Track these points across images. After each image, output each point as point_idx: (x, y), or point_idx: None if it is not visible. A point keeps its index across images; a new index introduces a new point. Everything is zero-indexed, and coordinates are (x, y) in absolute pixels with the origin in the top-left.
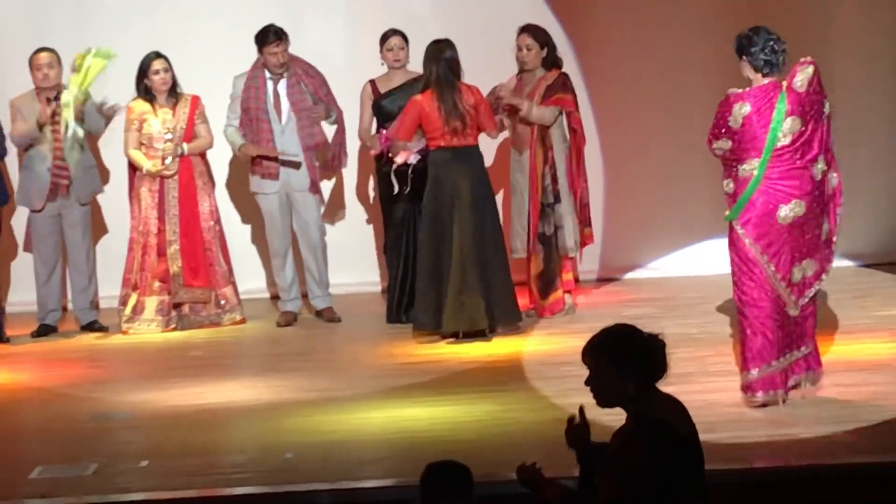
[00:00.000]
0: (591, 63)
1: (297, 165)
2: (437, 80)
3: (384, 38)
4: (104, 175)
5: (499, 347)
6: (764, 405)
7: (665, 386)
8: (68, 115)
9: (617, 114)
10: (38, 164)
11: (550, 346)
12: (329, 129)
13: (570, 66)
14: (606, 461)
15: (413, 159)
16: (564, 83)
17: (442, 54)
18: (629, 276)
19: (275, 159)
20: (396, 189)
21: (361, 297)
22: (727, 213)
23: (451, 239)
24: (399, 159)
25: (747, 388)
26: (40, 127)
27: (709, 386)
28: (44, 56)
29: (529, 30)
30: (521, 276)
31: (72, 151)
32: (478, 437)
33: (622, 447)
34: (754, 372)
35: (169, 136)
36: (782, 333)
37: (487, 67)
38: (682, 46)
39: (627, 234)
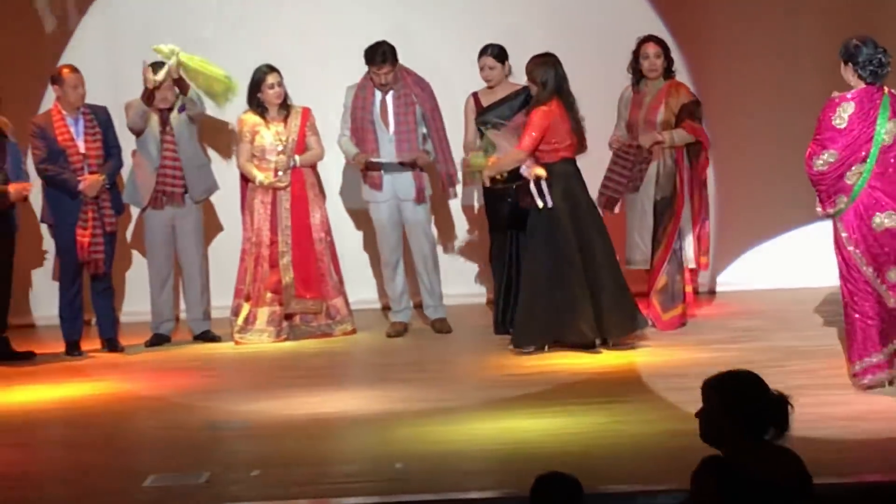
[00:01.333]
0: (701, 72)
1: (406, 167)
2: (563, 91)
3: (479, 56)
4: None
5: (609, 359)
6: (870, 387)
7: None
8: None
9: (726, 122)
10: (147, 162)
11: (661, 358)
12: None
13: (680, 75)
14: None
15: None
16: (695, 112)
17: (557, 66)
18: (740, 287)
19: (380, 167)
20: (541, 204)
21: (469, 307)
22: (831, 210)
23: (592, 251)
24: (539, 171)
25: (854, 376)
26: (148, 99)
27: (820, 399)
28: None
29: (656, 39)
30: (637, 287)
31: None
32: (587, 449)
33: None
34: (858, 366)
35: (281, 148)
36: (885, 326)
37: (596, 77)
38: (795, 54)
39: (738, 245)
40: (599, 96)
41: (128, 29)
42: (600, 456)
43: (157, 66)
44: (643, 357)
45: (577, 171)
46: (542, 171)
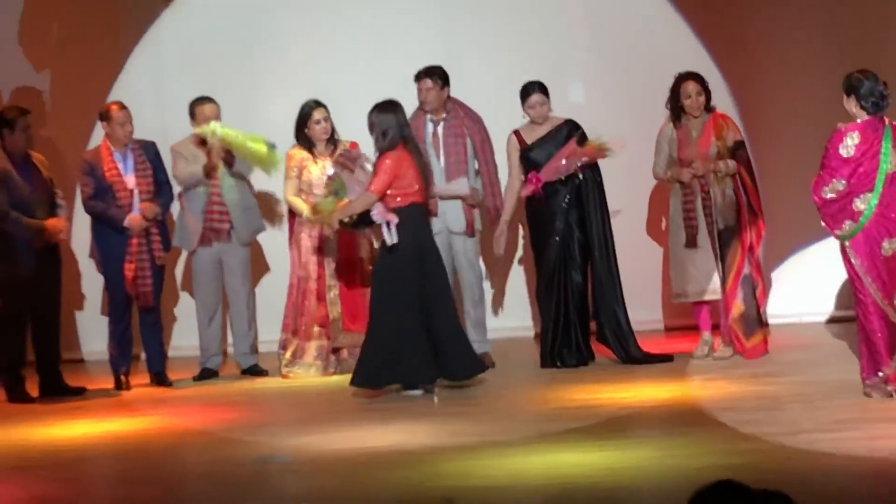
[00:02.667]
0: (746, 101)
1: (459, 197)
2: (407, 137)
3: (525, 94)
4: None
5: (658, 392)
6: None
7: (827, 433)
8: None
9: (773, 152)
10: (195, 205)
11: (710, 392)
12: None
13: (727, 106)
14: None
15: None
16: (745, 154)
17: (399, 113)
18: (789, 320)
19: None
20: (390, 242)
21: (514, 341)
22: (839, 231)
23: (435, 295)
24: (390, 216)
25: (865, 388)
26: (207, 173)
27: (871, 433)
28: (208, 107)
29: (695, 76)
30: (684, 320)
31: (231, 190)
32: (636, 484)
33: None
34: (868, 382)
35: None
36: (892, 340)
37: (643, 110)
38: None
39: (787, 277)
40: (646, 130)
41: (175, 65)
42: (650, 491)
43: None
44: (692, 390)
45: (425, 214)
46: (392, 216)
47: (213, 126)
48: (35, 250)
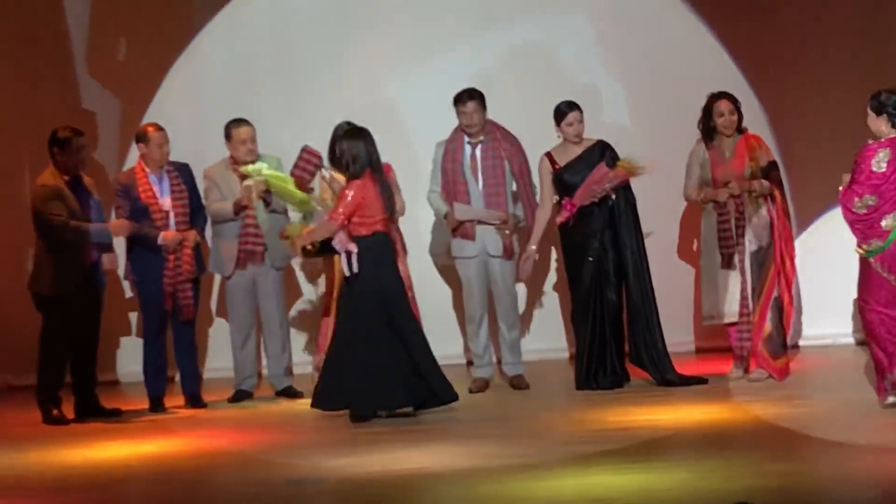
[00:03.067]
0: (779, 126)
1: (498, 224)
2: (375, 165)
3: (562, 112)
4: None
5: (690, 414)
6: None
7: (864, 455)
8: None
9: (807, 172)
10: (229, 230)
11: (743, 414)
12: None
13: (760, 127)
14: None
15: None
16: (777, 175)
17: (367, 140)
18: (823, 342)
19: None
20: (348, 273)
21: (548, 363)
22: (865, 246)
23: (401, 323)
24: (350, 246)
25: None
26: (237, 212)
27: None
28: (244, 130)
29: (728, 95)
30: (718, 341)
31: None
32: None
33: None
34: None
35: None
36: None
37: (677, 130)
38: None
39: (823, 298)
40: (676, 151)
41: (210, 86)
42: None
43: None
44: (727, 413)
45: (389, 242)
46: (352, 246)
47: (259, 166)
48: (82, 271)
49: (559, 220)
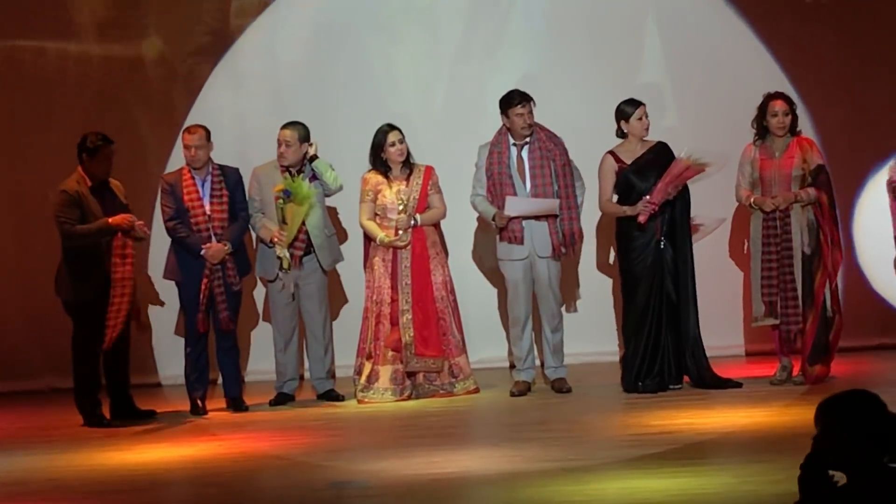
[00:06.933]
0: (824, 126)
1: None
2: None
3: (634, 105)
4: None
5: (735, 418)
6: None
7: None
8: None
9: (849, 176)
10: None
11: (785, 417)
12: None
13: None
14: None
15: None
16: (826, 178)
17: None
18: (868, 343)
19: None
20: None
21: (591, 366)
22: None
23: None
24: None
25: None
26: (267, 242)
27: None
28: (280, 133)
29: (784, 96)
30: (764, 345)
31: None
32: None
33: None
34: None
35: (401, 206)
36: None
37: (724, 133)
38: None
39: (868, 305)
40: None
41: (254, 87)
42: None
43: (285, 192)
44: (771, 416)
45: None
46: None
47: (288, 182)
48: (102, 278)
49: (643, 219)
